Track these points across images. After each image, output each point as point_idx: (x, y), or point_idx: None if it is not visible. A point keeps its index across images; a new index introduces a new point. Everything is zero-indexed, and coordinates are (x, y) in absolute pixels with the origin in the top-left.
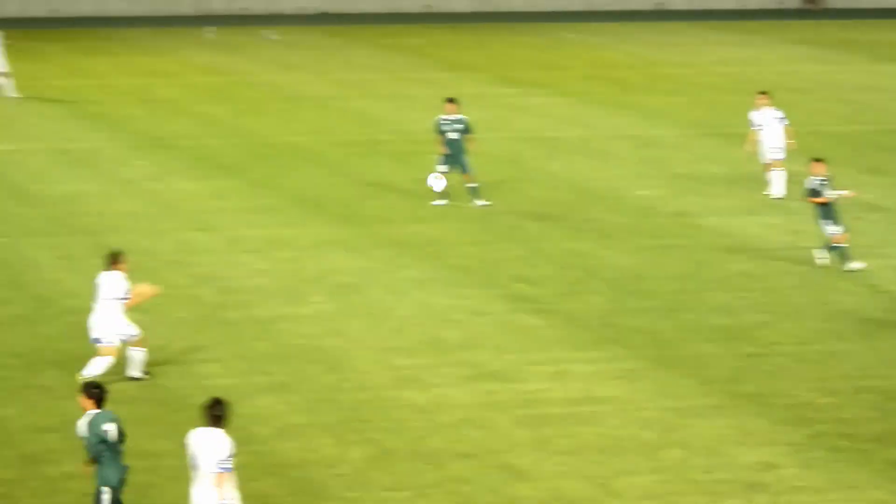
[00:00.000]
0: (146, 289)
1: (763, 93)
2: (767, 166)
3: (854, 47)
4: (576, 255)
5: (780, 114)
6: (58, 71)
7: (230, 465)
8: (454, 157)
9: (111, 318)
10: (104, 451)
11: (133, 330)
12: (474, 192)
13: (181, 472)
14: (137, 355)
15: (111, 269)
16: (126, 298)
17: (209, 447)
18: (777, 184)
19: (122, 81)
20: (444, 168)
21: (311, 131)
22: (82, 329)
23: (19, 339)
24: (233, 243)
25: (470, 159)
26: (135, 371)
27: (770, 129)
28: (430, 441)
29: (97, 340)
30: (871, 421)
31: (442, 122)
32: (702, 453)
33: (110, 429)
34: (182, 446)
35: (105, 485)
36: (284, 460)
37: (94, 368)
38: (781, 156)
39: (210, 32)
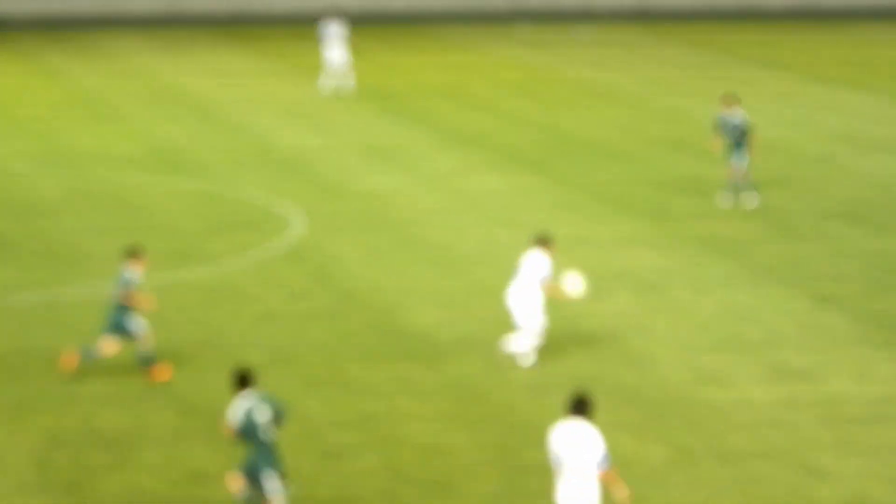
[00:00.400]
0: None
1: None
2: None
3: None
4: (880, 255)
5: None
6: (370, 67)
7: (609, 463)
8: (734, 152)
9: (532, 299)
10: None
11: (538, 321)
12: (747, 188)
13: (478, 467)
14: (528, 340)
15: (539, 249)
16: (546, 281)
17: (578, 443)
18: None
19: (433, 77)
20: (737, 161)
21: (618, 128)
22: (386, 324)
23: (323, 333)
24: None
25: (750, 157)
26: (518, 349)
27: None
28: (730, 440)
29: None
30: None
31: (723, 118)
32: None
33: None
34: (479, 442)
35: None
36: None
37: (523, 345)
38: None
39: (523, 29)
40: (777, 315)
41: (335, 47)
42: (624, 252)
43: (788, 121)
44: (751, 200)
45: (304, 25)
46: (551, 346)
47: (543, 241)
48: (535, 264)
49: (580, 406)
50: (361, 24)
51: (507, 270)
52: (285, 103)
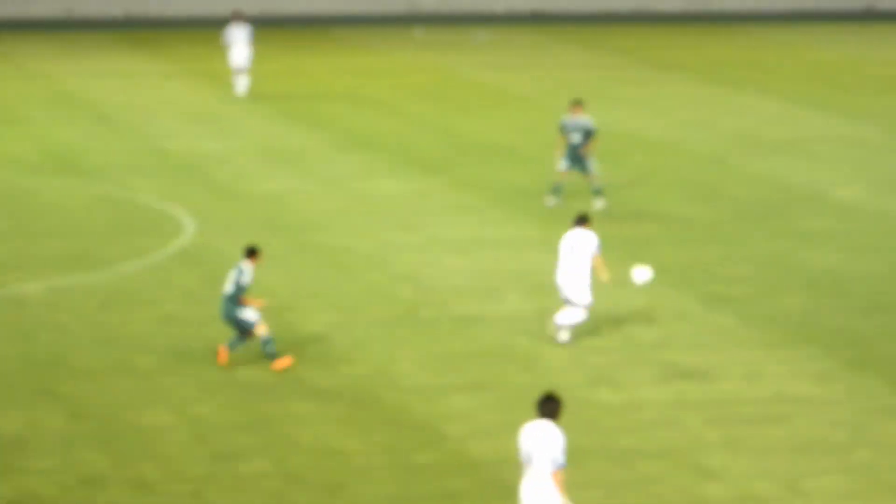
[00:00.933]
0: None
1: None
2: None
3: None
4: (773, 256)
5: None
6: (269, 70)
7: (565, 462)
8: (576, 157)
9: (582, 277)
10: None
11: (588, 298)
12: (597, 193)
13: (371, 470)
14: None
15: (582, 227)
16: (596, 256)
17: (544, 443)
18: None
19: (332, 81)
20: (564, 167)
21: (516, 130)
22: (280, 327)
23: (218, 336)
24: (433, 242)
25: (594, 161)
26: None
27: None
28: (622, 441)
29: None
30: None
31: (566, 123)
32: (892, 455)
33: None
34: (372, 444)
35: None
36: (476, 459)
37: (570, 318)
38: None
39: (421, 32)
40: (671, 316)
41: (239, 51)
42: (519, 254)
43: (684, 122)
44: (600, 203)
45: (204, 29)
46: (445, 348)
47: (585, 220)
48: (582, 242)
49: (545, 407)
50: (261, 27)
51: (402, 273)
52: (183, 107)
